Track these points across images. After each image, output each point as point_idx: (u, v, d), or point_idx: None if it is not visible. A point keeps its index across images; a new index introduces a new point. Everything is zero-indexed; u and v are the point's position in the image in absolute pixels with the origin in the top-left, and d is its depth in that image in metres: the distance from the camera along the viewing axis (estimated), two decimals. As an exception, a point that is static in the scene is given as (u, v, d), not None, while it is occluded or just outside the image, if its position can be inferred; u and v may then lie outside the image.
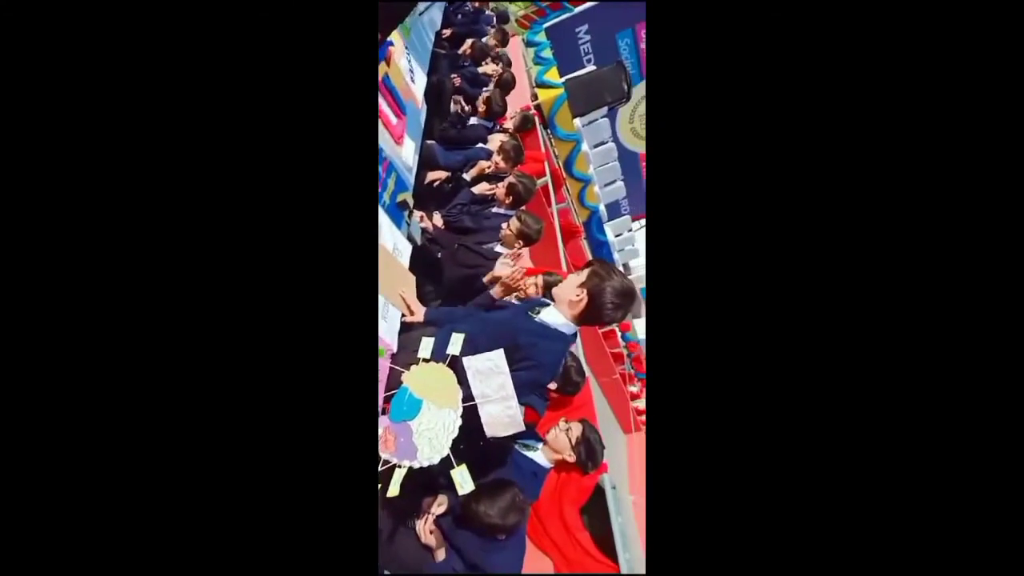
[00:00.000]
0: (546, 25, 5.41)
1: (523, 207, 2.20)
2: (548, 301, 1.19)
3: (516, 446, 1.43)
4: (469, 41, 3.37)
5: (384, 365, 1.18)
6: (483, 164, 2.37)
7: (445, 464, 0.98)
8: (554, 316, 1.15)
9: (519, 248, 2.00)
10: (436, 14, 2.89)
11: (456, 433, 1.00)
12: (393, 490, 0.96)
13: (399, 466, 0.98)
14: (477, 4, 4.12)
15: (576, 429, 1.46)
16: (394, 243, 1.48)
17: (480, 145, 2.54)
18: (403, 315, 1.39)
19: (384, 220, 1.46)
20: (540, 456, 1.45)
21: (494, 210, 2.22)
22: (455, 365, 1.10)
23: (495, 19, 4.24)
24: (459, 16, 3.88)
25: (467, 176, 2.36)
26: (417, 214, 1.83)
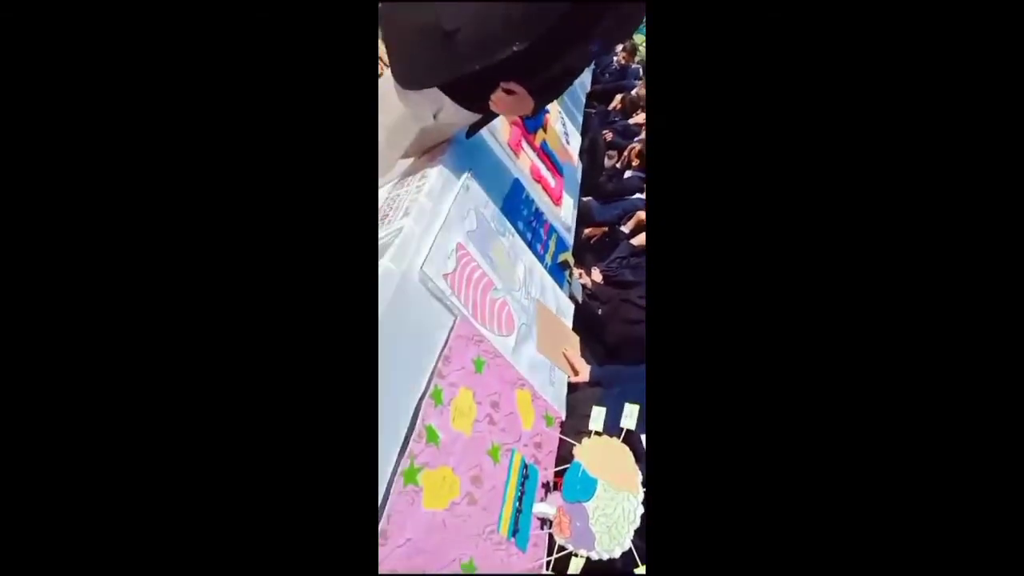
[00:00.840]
0: (696, 66, 5.23)
1: (689, 256, 2.03)
2: None
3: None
4: (619, 96, 3.40)
5: (553, 435, 1.13)
6: (641, 215, 2.28)
7: (627, 558, 0.85)
8: None
9: None
10: (586, 76, 2.99)
11: (638, 523, 0.88)
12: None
13: (575, 555, 0.89)
14: (623, 61, 4.19)
15: None
16: (557, 304, 1.46)
17: (637, 196, 2.47)
18: (569, 377, 1.33)
19: (548, 281, 1.46)
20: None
21: (656, 261, 2.09)
22: (631, 440, 0.99)
23: (641, 71, 4.25)
24: (606, 75, 3.97)
25: (625, 229, 2.29)
26: (576, 271, 1.80)
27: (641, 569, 0.82)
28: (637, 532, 0.87)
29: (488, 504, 0.89)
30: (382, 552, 0.68)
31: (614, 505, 0.92)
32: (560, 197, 1.80)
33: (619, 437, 1.00)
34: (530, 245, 1.45)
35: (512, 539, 0.91)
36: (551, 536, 0.95)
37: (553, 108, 2.12)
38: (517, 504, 0.95)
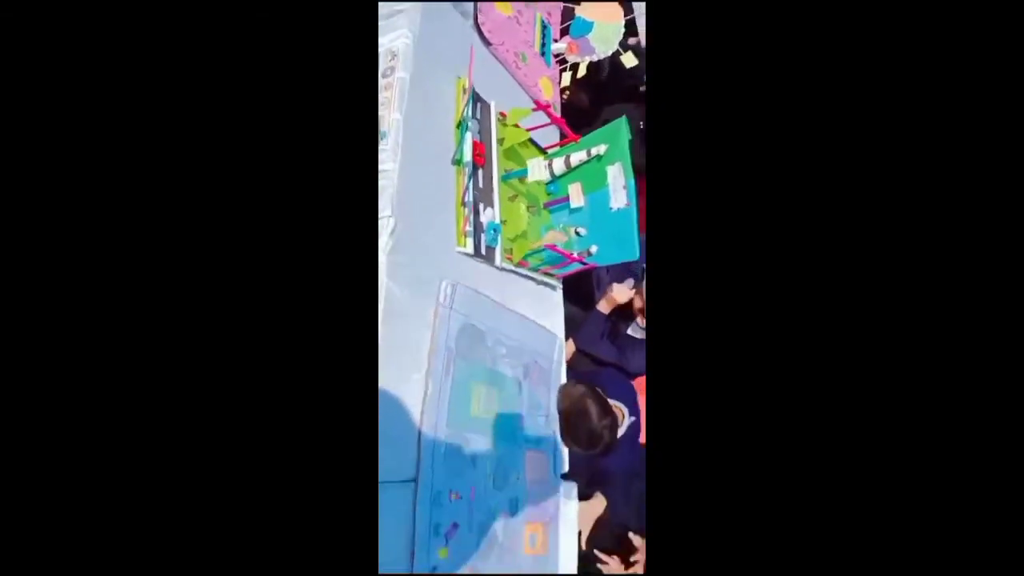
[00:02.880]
0: None
1: None
2: None
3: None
4: None
5: (558, 7, 1.57)
6: None
7: (615, 54, 1.40)
8: None
9: None
10: None
11: (624, 29, 1.40)
12: (582, 72, 1.42)
13: (580, 63, 1.43)
14: None
15: None
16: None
17: None
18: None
19: None
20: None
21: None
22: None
23: None
24: None
25: None
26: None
27: (625, 55, 1.37)
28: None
29: (527, 28, 1.37)
30: (483, 5, 1.16)
31: (607, 30, 1.42)
32: None
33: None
34: None
35: (542, 55, 1.42)
36: (563, 60, 1.47)
37: None
38: (542, 39, 1.44)
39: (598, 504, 1.49)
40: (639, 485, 1.47)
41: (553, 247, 1.03)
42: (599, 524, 1.48)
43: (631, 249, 1.11)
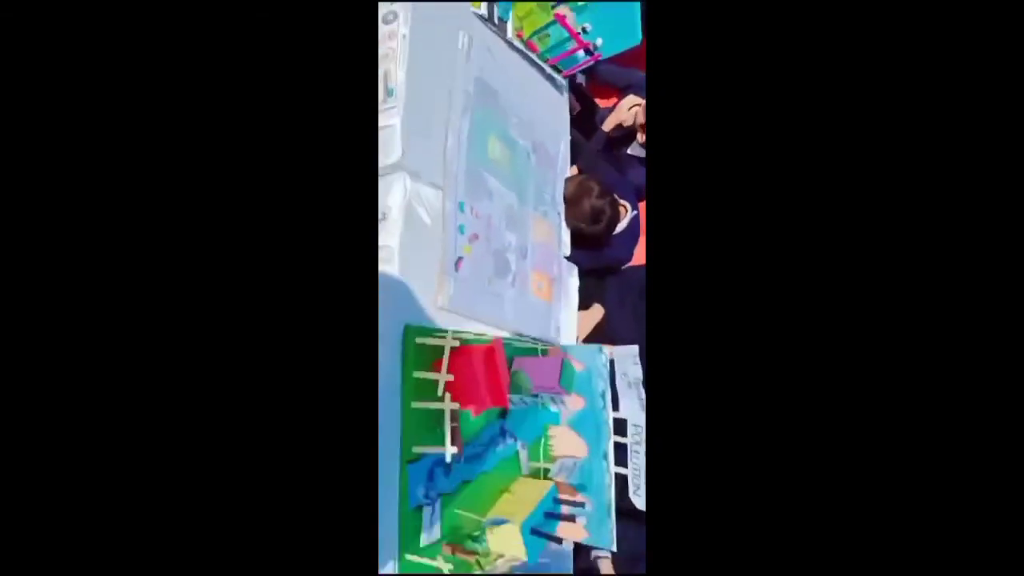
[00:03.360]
0: None
1: None
2: None
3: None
4: None
5: None
6: None
7: None
8: None
9: None
10: None
11: None
12: None
13: None
14: None
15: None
16: None
17: None
18: None
19: None
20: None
21: None
22: None
23: None
24: None
25: None
26: None
27: None
28: None
29: None
30: None
31: None
32: None
33: None
34: None
35: None
36: None
37: None
38: None
39: (596, 312, 1.66)
40: (634, 298, 1.63)
41: (562, 19, 1.10)
42: (596, 329, 1.66)
43: (634, 34, 1.17)
